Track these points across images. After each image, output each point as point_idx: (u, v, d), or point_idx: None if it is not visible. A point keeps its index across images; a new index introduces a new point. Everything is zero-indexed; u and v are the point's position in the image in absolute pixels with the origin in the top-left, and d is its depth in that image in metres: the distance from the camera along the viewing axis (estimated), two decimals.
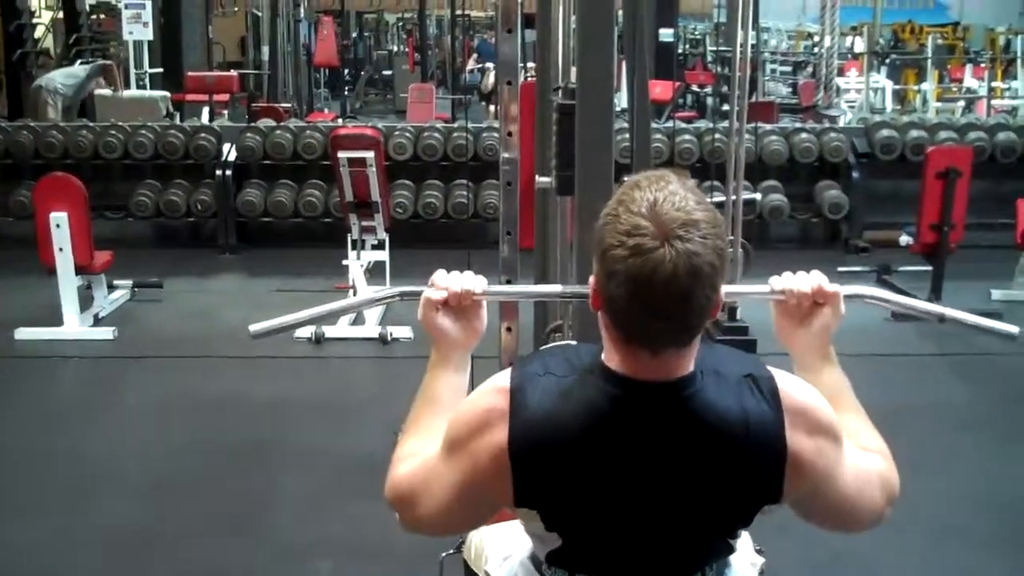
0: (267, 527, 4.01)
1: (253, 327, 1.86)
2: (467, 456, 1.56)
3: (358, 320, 6.36)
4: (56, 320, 6.21)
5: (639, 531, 1.57)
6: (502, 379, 1.59)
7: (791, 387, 1.57)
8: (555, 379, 1.55)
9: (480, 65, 16.95)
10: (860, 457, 1.65)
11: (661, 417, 1.51)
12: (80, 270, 6.26)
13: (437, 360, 1.77)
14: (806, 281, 1.74)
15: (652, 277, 1.39)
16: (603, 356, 1.54)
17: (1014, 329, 1.89)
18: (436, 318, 1.75)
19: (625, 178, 1.53)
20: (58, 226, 6.10)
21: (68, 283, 6.21)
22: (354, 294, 6.46)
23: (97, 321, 6.48)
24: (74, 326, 6.24)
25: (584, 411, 1.51)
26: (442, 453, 1.61)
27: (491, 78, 15.27)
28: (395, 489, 1.68)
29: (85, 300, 6.46)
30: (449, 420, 1.62)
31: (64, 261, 6.16)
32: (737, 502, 1.57)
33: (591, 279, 1.51)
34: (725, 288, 1.48)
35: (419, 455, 1.67)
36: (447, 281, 1.76)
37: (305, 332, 6.13)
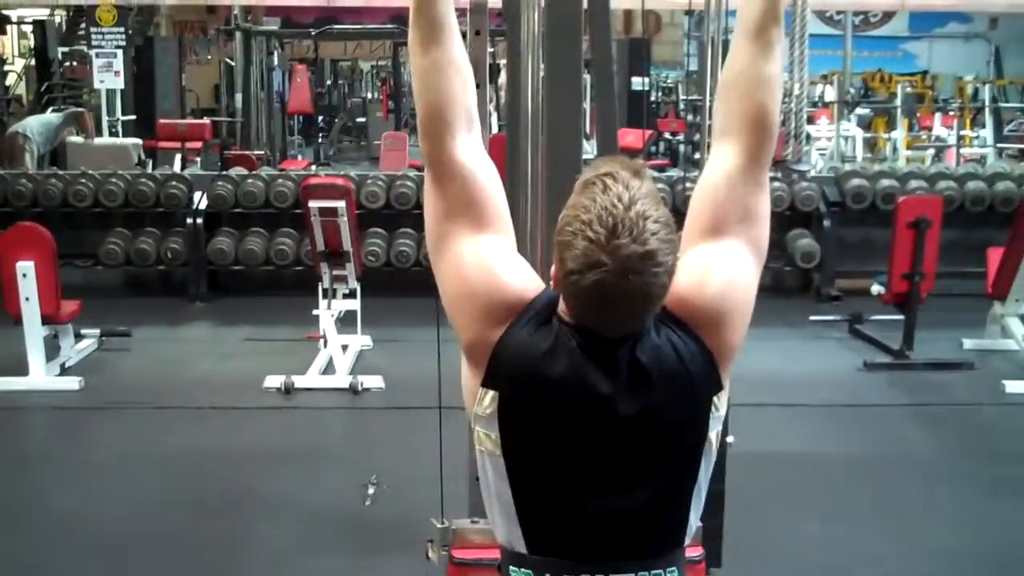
0: None
1: None
2: (465, 311, 1.63)
3: (328, 370, 6.30)
4: (22, 370, 6.13)
5: (593, 485, 1.58)
6: (530, 286, 1.64)
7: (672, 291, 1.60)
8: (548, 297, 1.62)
9: None
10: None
11: (611, 357, 1.57)
12: (47, 320, 6.19)
13: None
14: None
15: (612, 305, 1.52)
16: (560, 307, 1.60)
17: None
18: None
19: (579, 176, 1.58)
20: (24, 276, 6.04)
21: (34, 333, 6.15)
22: (324, 345, 6.41)
23: (64, 371, 6.40)
24: (40, 376, 6.15)
25: (551, 348, 1.58)
26: (450, 262, 1.66)
27: None
28: (426, 154, 1.73)
29: (52, 349, 6.38)
30: (477, 269, 1.64)
31: (30, 311, 6.10)
32: (689, 431, 1.61)
33: (552, 269, 1.58)
34: None
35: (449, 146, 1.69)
36: None
37: (275, 382, 6.07)
